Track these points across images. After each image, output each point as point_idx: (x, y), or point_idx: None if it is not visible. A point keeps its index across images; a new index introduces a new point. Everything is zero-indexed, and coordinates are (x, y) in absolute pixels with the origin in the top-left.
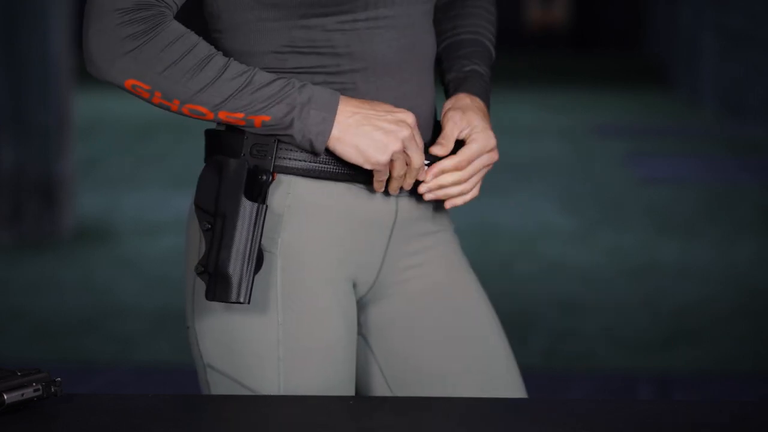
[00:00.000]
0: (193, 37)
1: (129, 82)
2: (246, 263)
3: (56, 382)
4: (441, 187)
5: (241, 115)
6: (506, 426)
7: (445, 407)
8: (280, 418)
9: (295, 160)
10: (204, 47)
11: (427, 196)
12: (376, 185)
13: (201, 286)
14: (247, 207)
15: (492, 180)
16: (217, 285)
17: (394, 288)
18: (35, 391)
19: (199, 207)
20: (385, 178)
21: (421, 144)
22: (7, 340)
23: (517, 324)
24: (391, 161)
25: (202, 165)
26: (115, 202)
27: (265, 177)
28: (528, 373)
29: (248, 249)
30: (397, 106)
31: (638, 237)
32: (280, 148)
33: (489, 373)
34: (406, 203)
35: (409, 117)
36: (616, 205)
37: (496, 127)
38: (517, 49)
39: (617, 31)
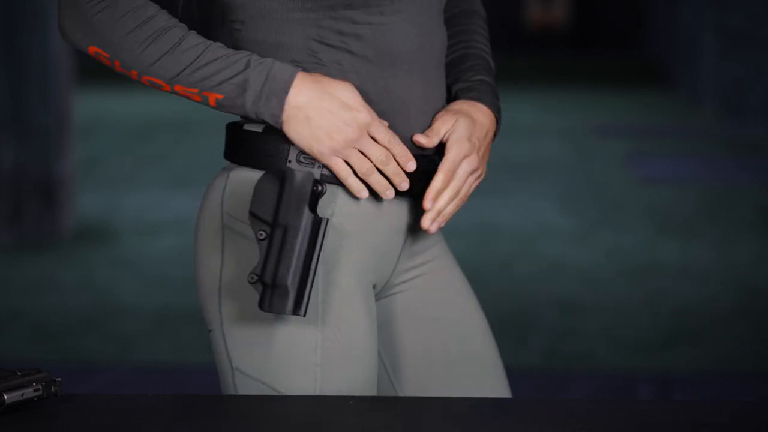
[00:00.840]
0: (151, 8)
1: (91, 49)
2: (306, 277)
3: (56, 382)
4: (440, 211)
5: (195, 91)
6: (506, 426)
7: (445, 407)
8: (280, 417)
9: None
10: (162, 18)
11: (434, 228)
12: (352, 188)
13: (229, 290)
14: (311, 221)
15: (492, 180)
16: (274, 296)
17: (400, 287)
18: (35, 391)
19: (255, 215)
20: (346, 174)
21: (386, 137)
22: (7, 340)
23: (517, 324)
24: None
25: (203, 165)
26: (115, 202)
27: (321, 188)
28: (528, 373)
29: (310, 263)
30: (421, 104)
31: (638, 237)
32: None
33: (483, 366)
34: (420, 210)
35: (361, 116)
36: (616, 205)
37: None
38: (517, 49)
39: (617, 31)
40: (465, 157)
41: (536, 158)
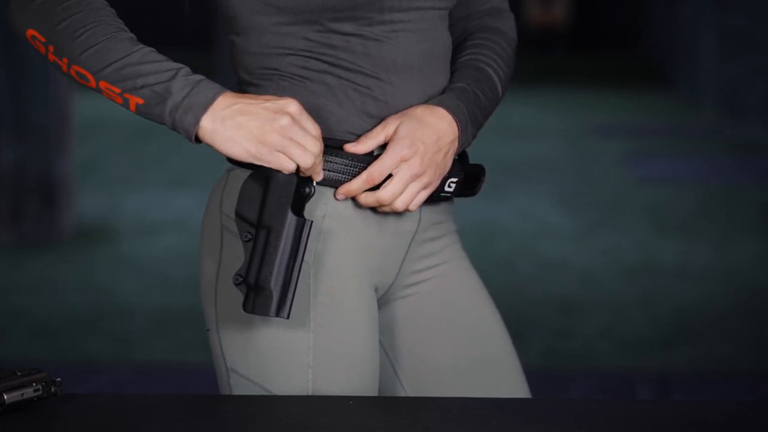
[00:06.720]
0: (98, 2)
1: (29, 33)
2: (289, 279)
3: (56, 382)
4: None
5: (118, 91)
6: (505, 426)
7: (444, 407)
8: (280, 417)
9: (334, 172)
10: (105, 12)
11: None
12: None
13: (225, 291)
14: (293, 223)
15: (491, 180)
16: (257, 298)
17: (408, 290)
18: (35, 391)
19: (240, 216)
20: (292, 168)
21: (313, 129)
22: (7, 340)
23: (516, 323)
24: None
25: (203, 165)
26: (116, 202)
27: (308, 190)
28: (526, 373)
29: (292, 265)
30: None
31: (637, 237)
32: None
33: (500, 370)
34: (427, 212)
35: (291, 105)
36: (616, 205)
37: (495, 127)
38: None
39: (617, 31)
40: (403, 159)
41: (535, 158)
